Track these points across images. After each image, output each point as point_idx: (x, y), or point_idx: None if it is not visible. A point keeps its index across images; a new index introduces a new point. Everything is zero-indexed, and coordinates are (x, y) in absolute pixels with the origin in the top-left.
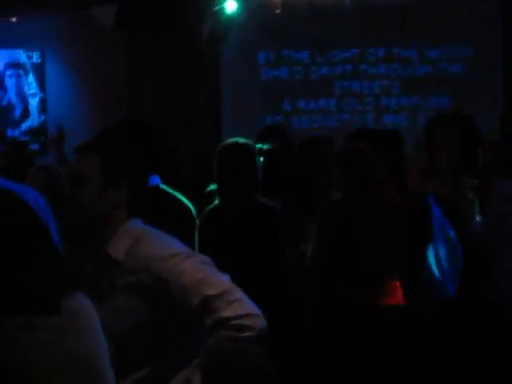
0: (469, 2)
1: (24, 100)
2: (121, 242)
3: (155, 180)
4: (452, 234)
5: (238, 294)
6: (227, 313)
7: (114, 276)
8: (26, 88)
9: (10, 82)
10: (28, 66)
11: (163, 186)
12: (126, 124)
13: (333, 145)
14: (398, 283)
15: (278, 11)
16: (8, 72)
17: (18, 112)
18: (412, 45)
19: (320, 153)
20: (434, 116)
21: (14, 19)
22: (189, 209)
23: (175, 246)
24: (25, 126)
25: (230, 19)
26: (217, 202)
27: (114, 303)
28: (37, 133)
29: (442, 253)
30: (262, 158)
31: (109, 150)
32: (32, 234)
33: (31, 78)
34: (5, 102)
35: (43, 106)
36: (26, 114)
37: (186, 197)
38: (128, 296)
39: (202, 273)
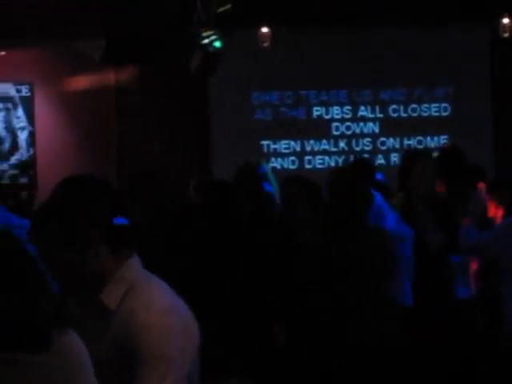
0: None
1: (13, 133)
2: (115, 290)
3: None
4: None
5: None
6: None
7: (105, 325)
8: (14, 121)
9: None
10: (17, 100)
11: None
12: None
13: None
14: None
15: (266, 44)
16: None
17: (6, 145)
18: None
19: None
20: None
21: (2, 53)
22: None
23: (157, 302)
24: (14, 159)
25: (218, 53)
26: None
27: (97, 351)
28: (26, 166)
29: None
30: None
31: (65, 213)
32: (22, 269)
33: (20, 112)
34: None
35: (32, 139)
36: (15, 147)
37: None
38: (107, 345)
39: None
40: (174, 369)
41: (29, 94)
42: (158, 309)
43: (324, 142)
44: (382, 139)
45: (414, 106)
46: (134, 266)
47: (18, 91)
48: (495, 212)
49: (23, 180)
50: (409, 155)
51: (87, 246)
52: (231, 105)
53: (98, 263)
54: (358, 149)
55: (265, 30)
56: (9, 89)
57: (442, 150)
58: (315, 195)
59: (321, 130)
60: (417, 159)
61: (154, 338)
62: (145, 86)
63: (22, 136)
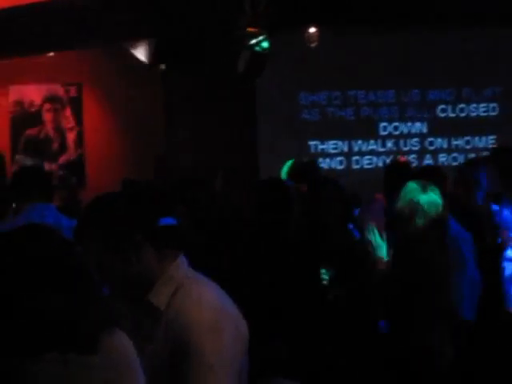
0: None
1: (61, 134)
2: (164, 289)
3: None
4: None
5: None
6: None
7: (155, 325)
8: (63, 122)
9: (47, 116)
10: (65, 100)
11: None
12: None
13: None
14: None
15: (313, 44)
16: (45, 106)
17: (55, 146)
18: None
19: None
20: None
21: (51, 54)
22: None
23: (206, 300)
24: (62, 159)
25: (266, 53)
26: None
27: (148, 351)
28: (74, 166)
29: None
30: None
31: (108, 216)
32: (72, 270)
33: (68, 112)
34: (42, 136)
35: (80, 139)
36: (63, 147)
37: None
38: (158, 344)
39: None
40: (225, 366)
41: (77, 95)
42: (208, 306)
43: (372, 142)
44: (430, 139)
45: (462, 105)
46: (182, 266)
47: (67, 92)
48: None
49: (71, 180)
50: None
51: (132, 247)
52: (278, 105)
53: (144, 264)
54: (405, 149)
55: (312, 30)
56: (57, 89)
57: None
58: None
59: (368, 130)
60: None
61: (204, 335)
62: (192, 86)
63: (71, 136)
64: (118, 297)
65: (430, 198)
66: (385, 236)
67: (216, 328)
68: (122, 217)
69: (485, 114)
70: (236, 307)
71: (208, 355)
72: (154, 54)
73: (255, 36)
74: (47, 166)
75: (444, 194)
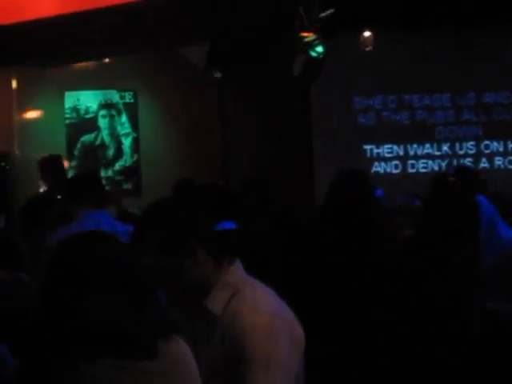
0: None
1: (117, 140)
2: (220, 295)
3: (228, 225)
4: None
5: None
6: None
7: (212, 330)
8: (119, 128)
9: (103, 122)
10: (121, 106)
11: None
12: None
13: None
14: None
15: (368, 48)
16: (101, 112)
17: (111, 152)
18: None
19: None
20: None
21: (106, 60)
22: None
23: (262, 305)
24: (118, 165)
25: (321, 58)
26: None
27: (205, 356)
28: (130, 172)
29: None
30: None
31: (163, 221)
32: (129, 275)
33: (124, 118)
34: (98, 142)
35: (136, 145)
36: (119, 153)
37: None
38: (215, 349)
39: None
40: (281, 370)
41: (132, 101)
42: (263, 311)
43: (427, 145)
44: (486, 142)
45: None
46: (238, 271)
47: (122, 98)
48: None
49: (127, 186)
50: None
51: (185, 252)
52: (334, 109)
53: (199, 269)
54: (461, 152)
55: (367, 33)
56: (113, 95)
57: None
58: None
59: (424, 133)
60: None
61: (260, 340)
62: (247, 91)
63: (126, 142)
64: (174, 302)
65: None
66: None
67: (271, 333)
68: (176, 221)
69: None
70: (291, 312)
71: (264, 360)
72: (208, 58)
73: (310, 40)
74: (103, 173)
75: (474, 193)
